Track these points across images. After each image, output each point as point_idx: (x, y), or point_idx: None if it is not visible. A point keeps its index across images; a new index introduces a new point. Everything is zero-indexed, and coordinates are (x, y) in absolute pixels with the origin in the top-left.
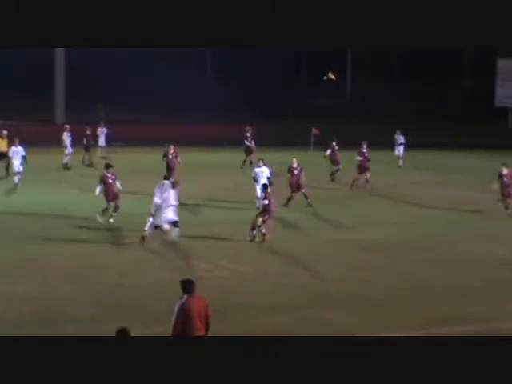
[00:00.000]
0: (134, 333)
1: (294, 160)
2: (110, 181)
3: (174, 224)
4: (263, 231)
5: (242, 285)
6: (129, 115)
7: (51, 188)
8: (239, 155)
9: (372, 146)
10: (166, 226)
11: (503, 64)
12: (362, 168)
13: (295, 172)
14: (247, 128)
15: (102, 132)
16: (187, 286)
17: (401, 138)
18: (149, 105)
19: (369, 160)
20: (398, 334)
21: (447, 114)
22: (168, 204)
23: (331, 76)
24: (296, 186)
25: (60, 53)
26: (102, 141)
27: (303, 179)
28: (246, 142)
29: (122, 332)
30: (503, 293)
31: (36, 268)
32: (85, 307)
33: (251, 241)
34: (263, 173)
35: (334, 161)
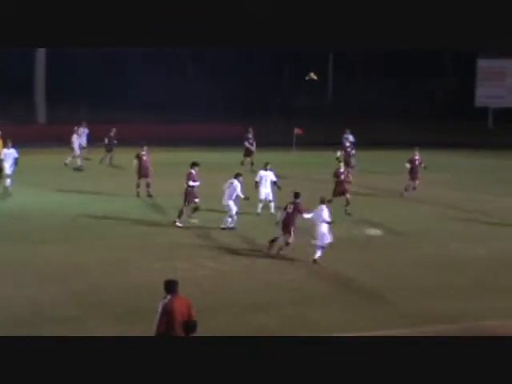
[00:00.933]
0: (117, 332)
1: (341, 164)
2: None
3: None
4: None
5: (223, 284)
6: (114, 115)
7: (36, 189)
8: (225, 155)
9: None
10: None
11: (483, 64)
12: (413, 174)
13: (342, 176)
14: (249, 129)
15: (83, 132)
16: (170, 286)
17: (350, 138)
18: (132, 105)
19: (418, 166)
20: (385, 333)
21: (428, 114)
22: (321, 221)
23: (313, 76)
24: (341, 191)
25: (41, 53)
26: (83, 141)
27: (349, 184)
28: (246, 143)
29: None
30: (488, 291)
31: (19, 269)
32: (68, 308)
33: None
34: (267, 177)
35: (346, 162)
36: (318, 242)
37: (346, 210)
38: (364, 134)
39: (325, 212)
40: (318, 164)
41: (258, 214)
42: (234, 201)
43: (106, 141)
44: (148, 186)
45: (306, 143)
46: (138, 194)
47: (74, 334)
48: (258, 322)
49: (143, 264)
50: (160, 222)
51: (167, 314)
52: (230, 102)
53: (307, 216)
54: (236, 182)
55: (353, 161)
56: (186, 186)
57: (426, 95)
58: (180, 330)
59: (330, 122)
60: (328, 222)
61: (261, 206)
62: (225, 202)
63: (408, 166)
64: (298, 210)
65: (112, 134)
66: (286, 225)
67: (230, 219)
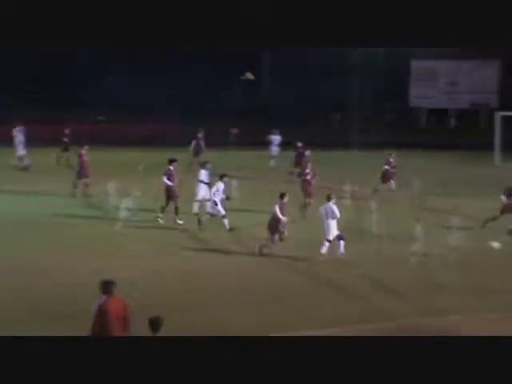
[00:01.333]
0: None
1: (309, 164)
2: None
3: (339, 238)
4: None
5: (158, 285)
6: (50, 115)
7: None
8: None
9: (289, 146)
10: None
11: (416, 65)
12: (386, 177)
13: (308, 176)
14: (199, 129)
15: (18, 132)
16: (106, 287)
17: (277, 139)
18: (72, 105)
19: (393, 169)
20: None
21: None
22: (333, 218)
23: (249, 76)
24: (309, 192)
25: None
26: (18, 141)
27: (314, 185)
28: (194, 142)
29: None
30: (427, 289)
31: None
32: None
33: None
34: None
35: (297, 163)
36: (328, 237)
37: (300, 209)
38: (303, 135)
39: (335, 208)
40: (254, 164)
41: (195, 214)
42: (221, 202)
43: (66, 140)
44: (87, 186)
45: (242, 143)
46: (74, 194)
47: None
48: (188, 321)
49: (76, 264)
50: (102, 221)
51: (102, 314)
52: (167, 101)
53: (283, 218)
54: (220, 184)
55: (272, 162)
56: (165, 183)
57: (358, 95)
58: (115, 330)
59: (266, 121)
60: (336, 219)
61: (197, 204)
62: (212, 206)
63: (387, 168)
64: (281, 210)
65: (66, 132)
66: (274, 224)
67: (226, 220)
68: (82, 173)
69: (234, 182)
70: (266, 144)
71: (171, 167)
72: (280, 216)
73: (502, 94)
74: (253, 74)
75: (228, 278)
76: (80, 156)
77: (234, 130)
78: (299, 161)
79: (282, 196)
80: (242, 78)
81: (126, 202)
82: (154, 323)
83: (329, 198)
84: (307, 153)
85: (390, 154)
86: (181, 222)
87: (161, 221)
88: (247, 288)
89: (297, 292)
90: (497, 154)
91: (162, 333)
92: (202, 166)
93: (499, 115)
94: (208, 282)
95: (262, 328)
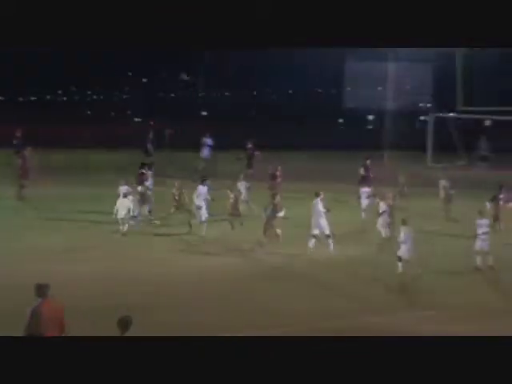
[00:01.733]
0: None
1: (279, 167)
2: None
3: (314, 236)
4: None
5: (100, 286)
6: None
7: None
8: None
9: (227, 147)
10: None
11: (350, 67)
12: (366, 181)
13: (278, 180)
14: (150, 130)
15: None
16: (41, 290)
17: (209, 141)
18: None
19: (369, 172)
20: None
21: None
22: (319, 216)
23: (184, 76)
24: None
25: None
26: None
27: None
28: (148, 144)
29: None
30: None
31: None
32: None
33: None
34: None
35: (248, 165)
36: (327, 233)
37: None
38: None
39: (320, 205)
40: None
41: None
42: (207, 205)
43: (16, 142)
44: (22, 187)
45: (178, 144)
46: (20, 198)
47: None
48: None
49: (15, 267)
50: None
51: (35, 316)
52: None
53: (280, 215)
54: (201, 187)
55: (202, 164)
56: (140, 187)
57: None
58: (49, 332)
59: (202, 121)
60: (324, 213)
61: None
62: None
63: (362, 172)
64: (275, 211)
65: (18, 135)
66: (270, 225)
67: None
68: (22, 175)
69: (245, 184)
70: (199, 146)
71: (144, 171)
72: (274, 215)
73: (436, 95)
74: (188, 74)
75: (206, 278)
76: (22, 158)
77: (169, 131)
78: (250, 162)
79: (273, 196)
80: (179, 78)
81: (125, 205)
82: (123, 323)
83: (317, 194)
84: (257, 153)
85: (367, 158)
86: (133, 223)
87: (157, 222)
88: (227, 287)
89: (281, 290)
90: (429, 155)
91: (131, 333)
92: (148, 168)
93: (432, 116)
94: (186, 283)
95: (239, 327)
